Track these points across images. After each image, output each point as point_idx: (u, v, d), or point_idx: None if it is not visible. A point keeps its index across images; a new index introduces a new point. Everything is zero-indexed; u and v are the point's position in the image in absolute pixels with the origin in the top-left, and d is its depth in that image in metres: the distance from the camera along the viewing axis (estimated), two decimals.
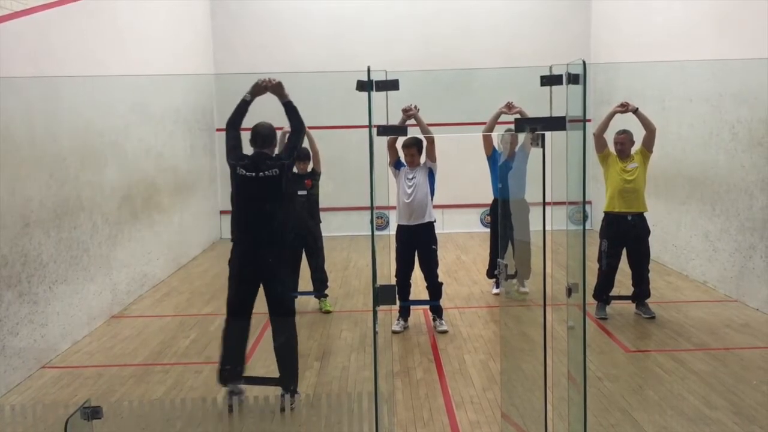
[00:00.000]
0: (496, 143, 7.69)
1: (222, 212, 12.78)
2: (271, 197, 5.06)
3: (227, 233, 13.78)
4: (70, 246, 6.80)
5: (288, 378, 5.17)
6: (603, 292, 7.25)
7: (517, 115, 6.94)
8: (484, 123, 7.50)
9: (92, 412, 3.76)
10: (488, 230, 9.18)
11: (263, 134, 5.23)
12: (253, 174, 5.05)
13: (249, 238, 5.11)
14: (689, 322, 7.05)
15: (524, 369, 5.09)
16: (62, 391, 5.67)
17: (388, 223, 9.78)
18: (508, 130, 7.35)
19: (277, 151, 5.40)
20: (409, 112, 6.51)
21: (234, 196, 5.20)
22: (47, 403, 5.21)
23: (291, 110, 5.15)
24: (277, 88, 5.10)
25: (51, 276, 6.39)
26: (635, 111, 6.89)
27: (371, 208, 4.22)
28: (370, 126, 4.20)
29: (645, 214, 7.14)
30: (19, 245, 5.87)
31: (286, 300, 5.34)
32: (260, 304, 8.34)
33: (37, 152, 6.26)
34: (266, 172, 5.05)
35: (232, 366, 5.23)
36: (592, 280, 7.12)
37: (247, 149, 5.27)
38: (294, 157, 5.33)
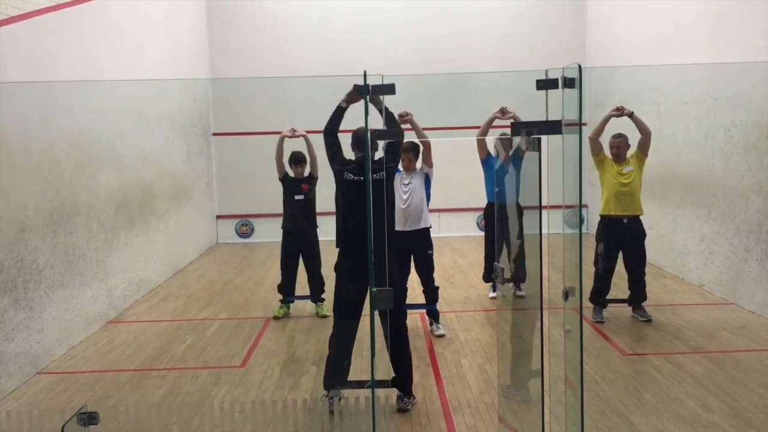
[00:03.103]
0: (490, 147, 7.70)
1: (218, 217, 12.79)
2: (379, 201, 5.03)
3: (224, 238, 13.68)
4: (66, 251, 6.79)
5: (405, 379, 5.26)
6: (599, 296, 7.26)
7: (511, 120, 6.94)
8: (480, 127, 7.51)
9: (89, 418, 3.75)
10: (484, 234, 9.18)
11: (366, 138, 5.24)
12: (361, 178, 5.08)
13: (360, 241, 5.09)
14: (686, 325, 7.06)
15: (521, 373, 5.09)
16: (58, 396, 5.65)
17: None
18: (503, 134, 7.36)
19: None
20: (404, 117, 6.50)
21: (340, 201, 5.22)
22: (43, 409, 5.20)
23: (387, 115, 5.14)
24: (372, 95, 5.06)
25: (47, 281, 6.38)
26: (630, 115, 6.91)
27: (368, 212, 4.23)
28: (366, 130, 4.21)
29: (641, 218, 7.16)
30: (15, 251, 5.86)
31: (398, 302, 5.37)
32: (257, 307, 8.31)
33: (32, 157, 6.25)
34: (374, 176, 5.04)
35: (339, 371, 5.25)
36: (588, 284, 7.13)
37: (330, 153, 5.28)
38: (398, 162, 5.35)
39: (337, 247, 5.29)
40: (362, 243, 5.02)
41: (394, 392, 5.36)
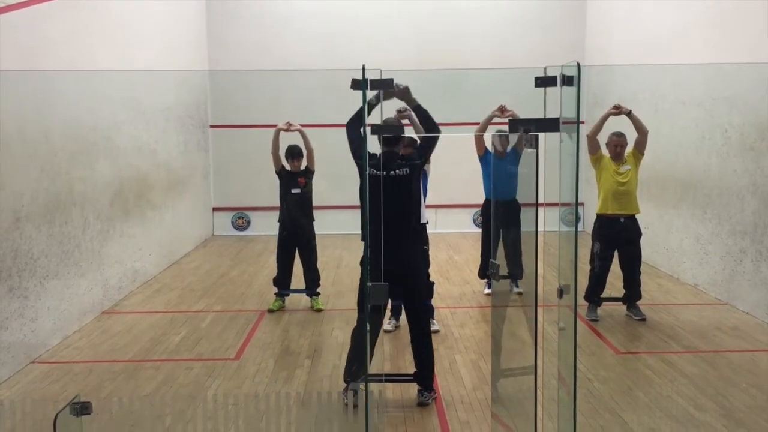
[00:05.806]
0: (488, 144, 7.69)
1: (215, 209, 12.77)
2: (401, 196, 5.08)
3: (220, 230, 13.63)
4: (62, 241, 6.77)
5: (427, 374, 5.29)
6: (594, 294, 7.27)
7: (510, 118, 6.94)
8: (477, 123, 7.50)
9: (81, 408, 3.74)
10: (480, 230, 9.18)
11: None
12: (384, 173, 5.08)
13: (387, 235, 5.08)
14: (679, 325, 7.08)
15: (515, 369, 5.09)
16: (52, 386, 5.65)
17: None
18: (500, 131, 7.36)
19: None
20: (403, 113, 6.48)
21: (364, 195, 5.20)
22: (36, 398, 5.19)
23: (422, 113, 5.16)
24: (404, 93, 5.04)
25: (42, 271, 6.36)
26: (629, 113, 6.92)
27: (364, 206, 4.23)
28: (364, 125, 4.21)
29: (637, 217, 7.17)
30: (10, 240, 5.85)
31: (422, 295, 5.37)
32: (252, 300, 8.30)
33: (28, 147, 6.23)
34: (396, 171, 5.11)
35: (360, 364, 5.20)
36: (583, 282, 7.14)
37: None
38: (428, 159, 5.43)
39: (362, 240, 5.28)
40: (389, 237, 5.03)
41: (387, 386, 5.37)
